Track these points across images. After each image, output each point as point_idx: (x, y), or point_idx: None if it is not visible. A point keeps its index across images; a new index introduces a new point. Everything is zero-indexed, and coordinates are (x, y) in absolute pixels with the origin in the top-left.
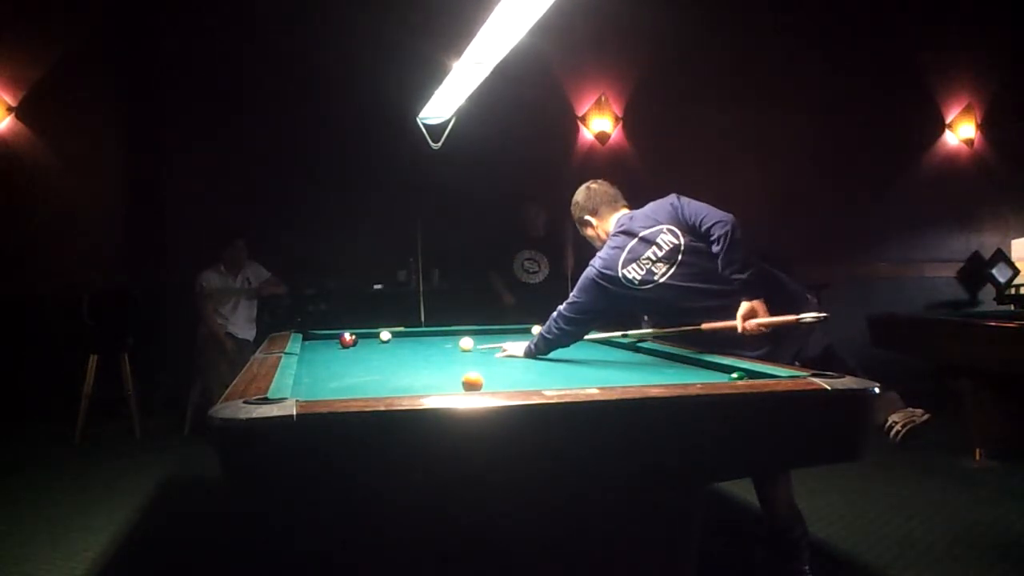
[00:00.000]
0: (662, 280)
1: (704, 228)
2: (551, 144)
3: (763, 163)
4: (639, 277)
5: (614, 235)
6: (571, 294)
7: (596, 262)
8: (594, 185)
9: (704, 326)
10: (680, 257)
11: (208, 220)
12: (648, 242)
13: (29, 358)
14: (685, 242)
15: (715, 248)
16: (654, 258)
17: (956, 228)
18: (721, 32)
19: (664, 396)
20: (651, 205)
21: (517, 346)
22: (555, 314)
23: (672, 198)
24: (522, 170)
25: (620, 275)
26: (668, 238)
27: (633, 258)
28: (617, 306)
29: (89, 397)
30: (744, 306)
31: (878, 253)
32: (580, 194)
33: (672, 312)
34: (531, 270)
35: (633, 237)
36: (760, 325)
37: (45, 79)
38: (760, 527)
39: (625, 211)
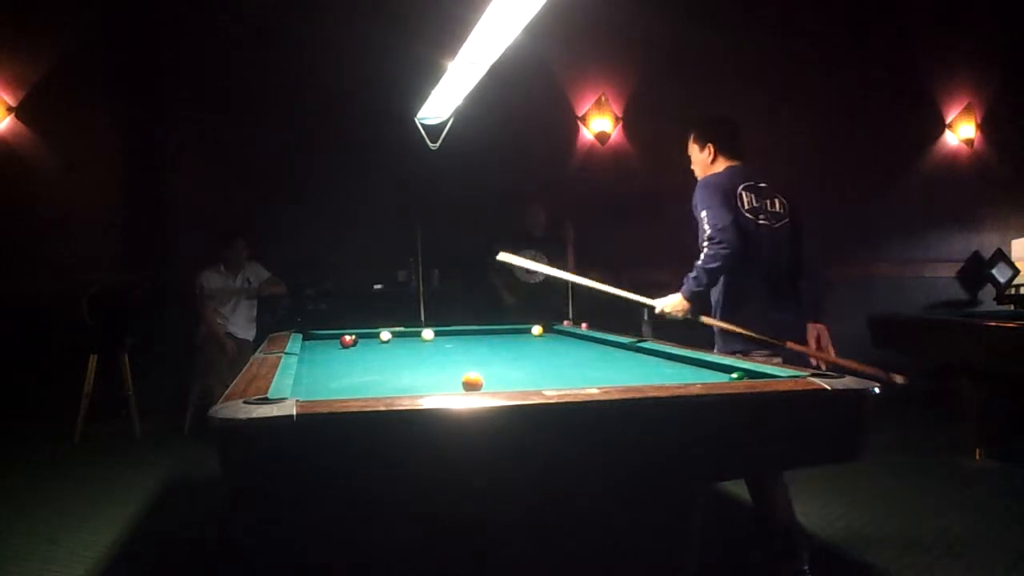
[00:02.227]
0: (765, 222)
1: (808, 252)
2: (551, 144)
3: (763, 163)
4: (753, 205)
5: (732, 168)
6: (701, 227)
7: (707, 178)
8: (733, 127)
9: (789, 345)
10: (781, 223)
11: (208, 220)
12: (766, 194)
13: (29, 358)
14: (787, 221)
15: (805, 283)
16: (767, 207)
17: (956, 228)
18: (721, 32)
19: (664, 396)
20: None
21: (670, 299)
22: (700, 256)
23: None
24: (522, 170)
25: (738, 192)
26: (779, 205)
27: (751, 191)
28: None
29: (89, 397)
30: (814, 329)
31: (878, 253)
32: (720, 119)
33: (767, 246)
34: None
35: (751, 180)
36: (829, 360)
37: (45, 79)
38: (760, 527)
39: (739, 163)
